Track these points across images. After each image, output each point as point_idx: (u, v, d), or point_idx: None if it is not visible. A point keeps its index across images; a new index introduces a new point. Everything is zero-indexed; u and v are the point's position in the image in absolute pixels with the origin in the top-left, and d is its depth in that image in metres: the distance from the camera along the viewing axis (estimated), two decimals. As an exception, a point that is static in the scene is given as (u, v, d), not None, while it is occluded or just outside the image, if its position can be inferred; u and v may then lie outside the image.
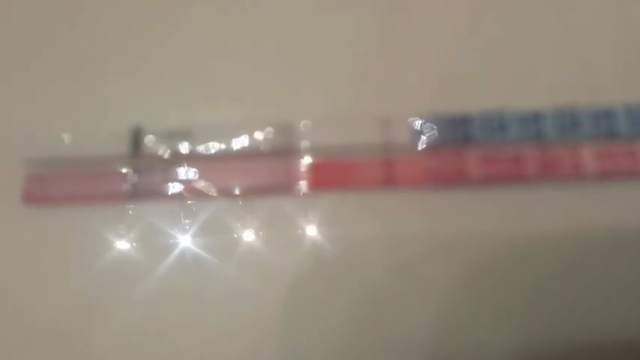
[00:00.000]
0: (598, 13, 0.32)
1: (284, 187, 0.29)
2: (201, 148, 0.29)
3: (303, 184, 0.29)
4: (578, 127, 0.29)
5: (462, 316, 0.28)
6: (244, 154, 0.29)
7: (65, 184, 0.29)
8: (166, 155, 0.29)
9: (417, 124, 0.29)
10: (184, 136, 0.29)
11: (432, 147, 0.29)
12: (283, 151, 0.29)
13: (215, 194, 0.29)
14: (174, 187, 0.29)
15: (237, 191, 0.29)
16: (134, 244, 0.29)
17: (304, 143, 0.29)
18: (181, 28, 0.33)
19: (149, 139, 0.29)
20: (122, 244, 0.29)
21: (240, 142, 0.29)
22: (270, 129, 0.29)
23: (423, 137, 0.29)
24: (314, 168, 0.29)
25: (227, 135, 0.29)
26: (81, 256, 0.29)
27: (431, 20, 0.32)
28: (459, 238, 0.28)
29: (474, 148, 0.29)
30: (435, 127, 0.29)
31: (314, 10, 0.33)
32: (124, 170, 0.29)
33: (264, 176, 0.29)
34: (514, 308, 0.28)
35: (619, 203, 0.29)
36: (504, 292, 0.28)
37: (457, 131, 0.29)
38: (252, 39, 0.32)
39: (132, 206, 0.29)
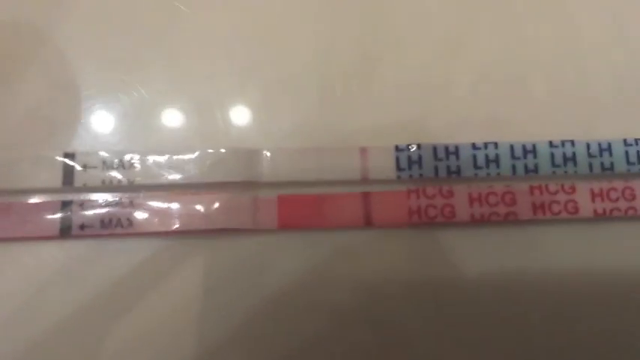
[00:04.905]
0: (598, 43, 0.29)
1: (245, 224, 0.25)
2: (146, 177, 0.25)
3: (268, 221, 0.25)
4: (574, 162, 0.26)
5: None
6: (196, 185, 0.25)
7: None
8: (105, 184, 0.25)
9: (399, 153, 0.26)
10: (126, 163, 0.25)
11: (415, 180, 0.26)
12: (243, 183, 0.25)
13: (160, 231, 0.25)
14: (113, 223, 0.25)
15: (184, 228, 0.25)
16: (65, 285, 0.25)
17: (268, 173, 0.26)
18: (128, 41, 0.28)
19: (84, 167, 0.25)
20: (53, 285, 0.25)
21: (191, 171, 0.25)
22: (226, 156, 0.25)
23: (406, 168, 0.26)
24: (281, 202, 0.25)
25: (175, 163, 0.25)
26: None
27: (415, 41, 0.29)
28: (441, 282, 0.26)
29: (463, 183, 0.26)
30: (419, 157, 0.26)
31: (281, 25, 0.29)
32: (54, 202, 0.25)
33: (220, 212, 0.25)
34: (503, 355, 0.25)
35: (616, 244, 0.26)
36: (494, 339, 0.25)
37: (443, 163, 0.26)
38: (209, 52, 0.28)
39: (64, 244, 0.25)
